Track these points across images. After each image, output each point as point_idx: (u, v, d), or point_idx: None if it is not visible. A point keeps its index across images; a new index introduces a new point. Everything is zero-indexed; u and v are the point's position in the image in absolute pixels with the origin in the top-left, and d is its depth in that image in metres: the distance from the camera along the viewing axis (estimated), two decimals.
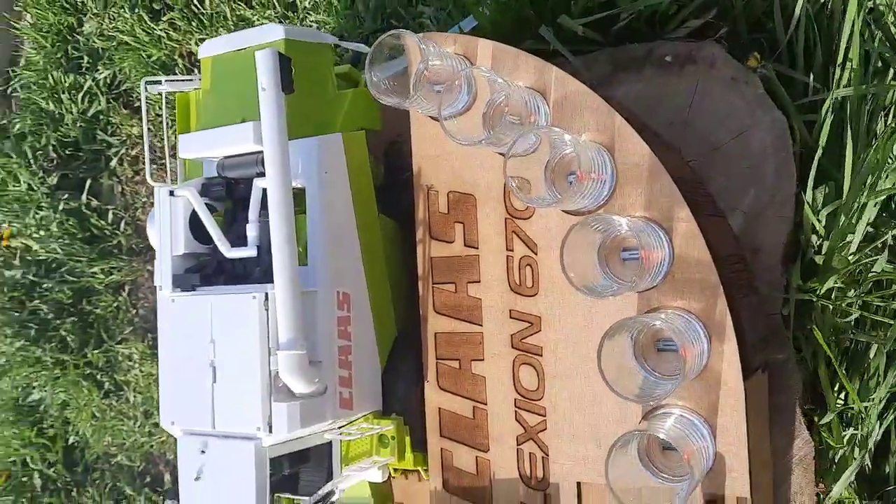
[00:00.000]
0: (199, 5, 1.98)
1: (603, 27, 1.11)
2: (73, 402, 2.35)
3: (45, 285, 2.39)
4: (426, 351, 1.03)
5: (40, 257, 2.41)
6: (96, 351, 2.26)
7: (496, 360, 0.98)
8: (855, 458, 1.03)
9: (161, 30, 2.08)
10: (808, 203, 0.97)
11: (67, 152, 2.37)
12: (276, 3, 1.86)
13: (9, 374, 2.47)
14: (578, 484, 0.92)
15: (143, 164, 2.09)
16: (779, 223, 0.99)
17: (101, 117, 2.34)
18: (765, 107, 1.00)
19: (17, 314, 2.45)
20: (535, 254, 0.95)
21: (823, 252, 0.97)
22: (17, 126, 2.45)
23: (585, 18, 1.09)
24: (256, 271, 0.94)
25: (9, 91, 2.60)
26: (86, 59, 2.33)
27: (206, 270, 0.97)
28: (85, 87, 2.33)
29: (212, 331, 0.93)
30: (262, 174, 0.96)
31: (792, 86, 1.04)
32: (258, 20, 1.88)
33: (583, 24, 1.09)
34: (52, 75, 2.36)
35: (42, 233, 2.38)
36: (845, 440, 1.04)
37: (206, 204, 1.00)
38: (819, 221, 0.97)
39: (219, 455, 0.92)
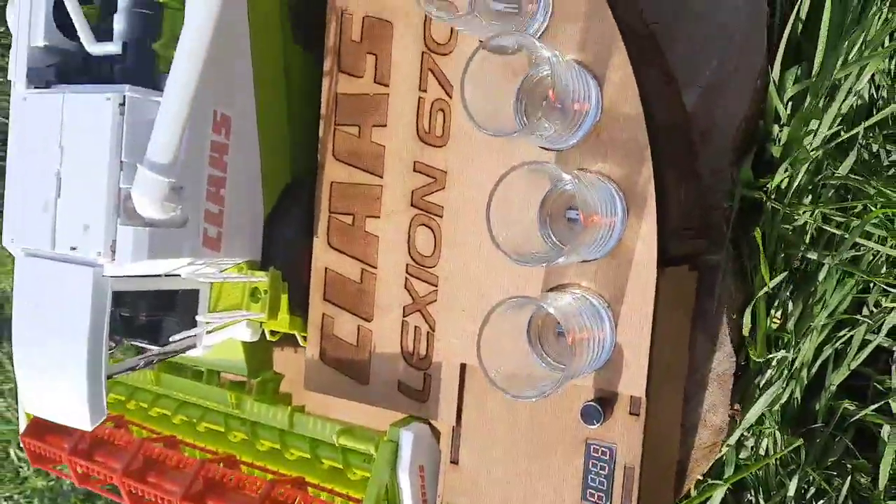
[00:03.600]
0: None
1: None
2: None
3: None
4: (319, 202, 0.90)
5: None
6: None
7: (393, 217, 0.85)
8: (781, 384, 0.93)
9: None
10: (773, 80, 0.83)
11: None
12: None
13: None
14: (463, 366, 0.80)
15: None
16: (737, 101, 0.85)
17: None
18: None
19: None
20: (450, 97, 0.81)
21: (782, 143, 0.84)
22: None
23: None
24: (117, 70, 0.80)
25: None
26: None
27: (67, 66, 0.82)
28: None
29: (61, 135, 0.79)
30: None
31: None
32: None
33: None
34: None
35: None
36: (774, 361, 0.93)
37: None
38: (782, 104, 0.84)
39: (56, 281, 0.79)
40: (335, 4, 0.88)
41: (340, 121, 0.88)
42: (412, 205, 0.84)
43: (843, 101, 0.81)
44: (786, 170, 0.83)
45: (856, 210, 0.90)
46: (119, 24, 0.79)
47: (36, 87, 0.82)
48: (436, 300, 0.82)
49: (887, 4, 0.86)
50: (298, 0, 0.94)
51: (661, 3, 0.89)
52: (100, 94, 0.76)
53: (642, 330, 0.70)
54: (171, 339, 0.84)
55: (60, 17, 0.83)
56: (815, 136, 0.82)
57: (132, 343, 0.90)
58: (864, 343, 0.95)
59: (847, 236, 0.87)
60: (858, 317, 0.94)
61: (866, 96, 0.88)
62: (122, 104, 0.76)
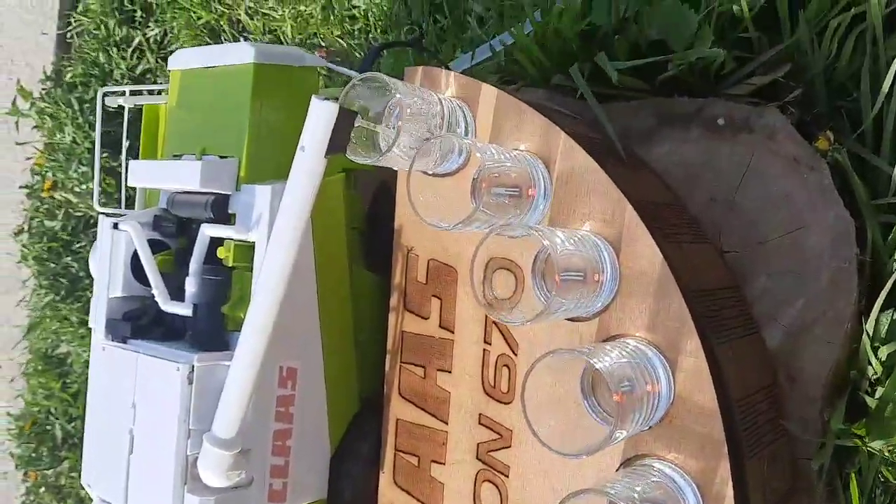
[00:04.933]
0: None
1: (650, 73, 0.92)
2: None
3: (79, 242, 2.36)
4: (385, 438, 0.89)
5: (78, 213, 2.38)
6: None
7: (458, 468, 0.83)
8: None
9: None
10: (867, 332, 0.77)
11: (112, 108, 2.30)
12: None
13: (40, 326, 2.47)
14: None
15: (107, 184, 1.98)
16: (826, 349, 0.79)
17: (148, 76, 2.27)
18: (828, 200, 0.80)
19: (53, 265, 2.43)
20: (515, 355, 0.79)
21: (877, 396, 0.78)
22: (69, 75, 2.40)
23: (626, 63, 0.90)
24: (188, 333, 0.82)
25: (67, 36, 2.56)
26: (139, 12, 2.25)
27: (141, 320, 0.85)
28: (135, 43, 2.25)
29: (134, 394, 0.81)
30: (212, 220, 0.83)
31: (872, 176, 0.83)
32: None
33: (622, 68, 0.89)
34: (105, 25, 2.29)
35: (82, 188, 2.34)
36: None
37: (156, 240, 0.88)
38: (877, 358, 0.77)
39: None
40: (400, 242, 0.87)
41: (406, 359, 0.87)
42: (477, 458, 0.81)
43: None
44: (879, 425, 0.77)
45: None
46: (190, 287, 0.81)
47: (113, 339, 0.85)
48: None
49: None
50: (368, 226, 0.94)
51: (739, 232, 0.85)
52: (171, 362, 0.78)
53: None
54: None
55: (138, 266, 0.86)
56: None
57: None
58: None
59: None
60: None
61: None
62: (191, 372, 0.77)
